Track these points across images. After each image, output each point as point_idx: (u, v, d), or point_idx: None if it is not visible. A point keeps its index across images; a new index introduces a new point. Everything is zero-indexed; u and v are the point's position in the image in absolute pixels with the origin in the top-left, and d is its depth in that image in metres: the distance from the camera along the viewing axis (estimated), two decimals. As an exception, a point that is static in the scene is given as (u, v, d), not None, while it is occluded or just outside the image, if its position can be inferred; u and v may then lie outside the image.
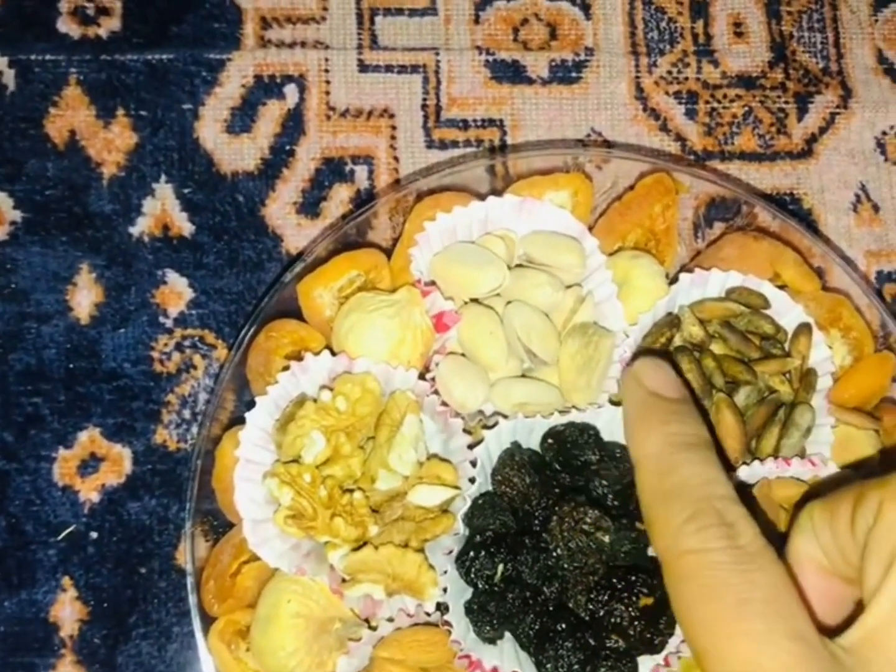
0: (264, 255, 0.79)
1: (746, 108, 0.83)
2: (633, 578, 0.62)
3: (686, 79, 0.83)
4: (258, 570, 0.66)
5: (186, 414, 0.76)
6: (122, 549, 0.74)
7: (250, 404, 0.66)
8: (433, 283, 0.69)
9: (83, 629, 0.73)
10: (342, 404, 0.65)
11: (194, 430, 0.75)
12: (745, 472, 0.66)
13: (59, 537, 0.74)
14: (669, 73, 0.83)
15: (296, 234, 0.79)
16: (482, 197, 0.71)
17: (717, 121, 0.82)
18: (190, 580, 0.66)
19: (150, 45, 0.81)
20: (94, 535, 0.74)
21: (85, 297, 0.77)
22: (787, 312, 0.70)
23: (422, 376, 0.68)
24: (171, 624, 0.73)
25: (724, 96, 0.83)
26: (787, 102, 0.83)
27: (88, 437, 0.76)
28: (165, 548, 0.74)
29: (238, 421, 0.67)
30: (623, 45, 0.83)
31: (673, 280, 0.71)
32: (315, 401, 0.66)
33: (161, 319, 0.77)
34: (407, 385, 0.67)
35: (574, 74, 0.83)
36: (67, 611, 0.73)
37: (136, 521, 0.74)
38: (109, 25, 0.81)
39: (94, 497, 0.75)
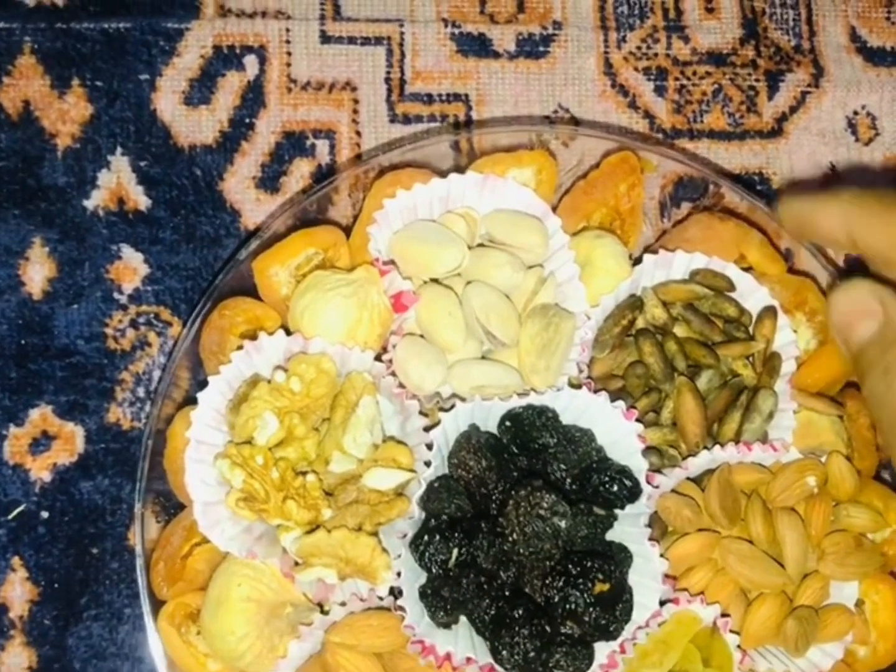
0: (222, 231, 0.77)
1: (716, 86, 0.81)
2: (589, 564, 0.62)
3: (656, 55, 0.81)
4: (210, 553, 0.66)
5: (140, 392, 0.75)
6: (73, 530, 0.73)
7: (203, 384, 0.65)
8: (392, 262, 0.68)
9: (33, 610, 0.72)
10: (296, 385, 0.64)
11: (148, 408, 0.74)
12: (706, 458, 0.65)
13: (10, 517, 0.73)
14: (639, 48, 0.81)
15: (254, 209, 0.78)
16: (445, 174, 0.70)
17: (687, 98, 0.81)
18: (139, 562, 0.65)
19: (106, 13, 0.79)
20: (45, 514, 0.73)
21: (37, 271, 0.76)
22: (751, 295, 0.69)
23: (378, 357, 0.66)
24: (123, 606, 0.72)
25: (694, 73, 0.81)
26: (757, 80, 0.81)
27: (40, 415, 0.74)
28: (118, 528, 0.73)
29: (192, 400, 0.66)
30: (592, 19, 0.82)
31: (638, 260, 0.70)
32: (269, 381, 0.65)
33: (115, 295, 0.76)
34: (363, 366, 0.66)
35: (541, 49, 0.81)
36: (17, 591, 0.72)
37: (89, 501, 0.73)
38: (65, -8, 0.79)
39: (46, 476, 0.74)
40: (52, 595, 0.72)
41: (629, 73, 0.81)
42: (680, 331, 0.69)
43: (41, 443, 0.74)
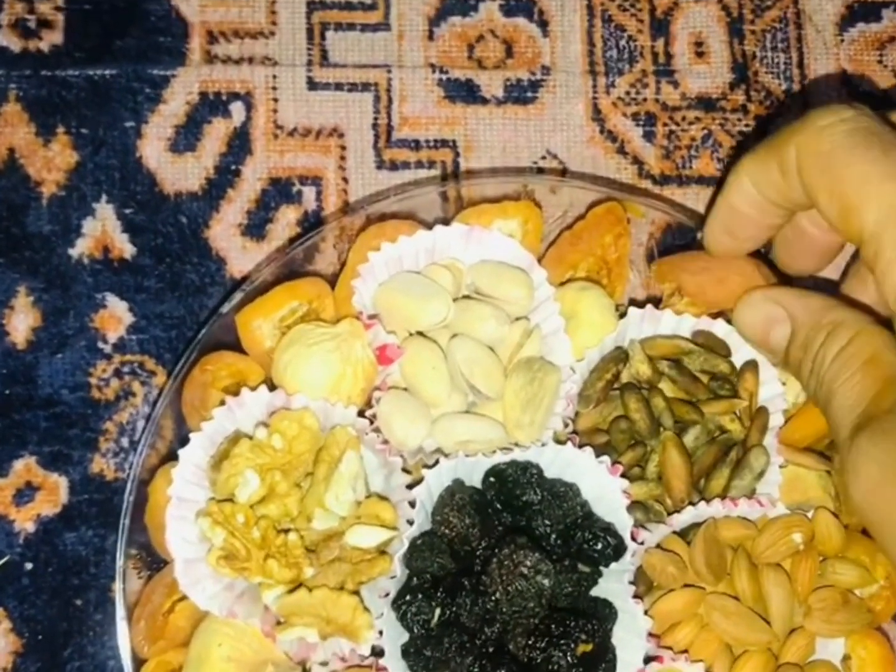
0: (207, 279, 0.77)
1: (706, 131, 0.81)
2: (572, 623, 0.61)
3: (644, 100, 0.81)
4: (192, 610, 0.65)
5: (124, 442, 0.74)
6: (57, 581, 0.73)
7: (186, 439, 0.65)
8: (376, 315, 0.68)
9: (17, 662, 0.72)
10: (278, 442, 0.63)
11: (132, 458, 0.73)
12: (691, 513, 0.65)
13: (-6, 568, 0.73)
14: (628, 93, 0.81)
15: (240, 256, 0.77)
16: (431, 224, 0.69)
17: (676, 144, 0.80)
18: (120, 620, 0.65)
19: (92, 60, 0.78)
20: (29, 565, 0.73)
21: (22, 321, 0.75)
22: (739, 349, 0.69)
23: (362, 413, 0.66)
24: (107, 657, 0.72)
25: (683, 118, 0.81)
26: (747, 125, 0.81)
27: (24, 466, 0.74)
28: (101, 579, 0.73)
29: (176, 454, 0.65)
30: (581, 63, 0.81)
31: (625, 311, 0.69)
32: (250, 438, 0.64)
33: (100, 345, 0.75)
34: (347, 421, 0.65)
35: (530, 94, 0.80)
36: (1, 643, 0.72)
37: (73, 552, 0.73)
38: (51, 39, 0.79)
39: (30, 527, 0.73)
40: (36, 647, 0.72)
41: (618, 119, 0.81)
42: (665, 387, 0.68)
43: (25, 493, 0.74)
